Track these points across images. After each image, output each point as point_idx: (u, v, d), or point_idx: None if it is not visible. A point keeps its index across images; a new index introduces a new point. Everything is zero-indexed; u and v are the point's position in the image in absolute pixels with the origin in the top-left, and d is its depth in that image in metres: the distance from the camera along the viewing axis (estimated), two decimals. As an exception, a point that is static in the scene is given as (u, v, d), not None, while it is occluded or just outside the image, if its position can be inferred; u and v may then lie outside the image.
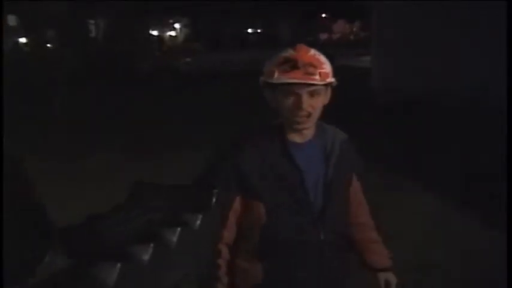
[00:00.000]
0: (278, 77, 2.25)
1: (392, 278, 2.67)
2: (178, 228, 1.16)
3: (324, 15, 59.55)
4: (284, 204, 2.34)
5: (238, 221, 2.40)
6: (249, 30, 51.53)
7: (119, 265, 0.97)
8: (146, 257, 1.05)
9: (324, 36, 54.18)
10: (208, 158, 2.47)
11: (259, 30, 52.23)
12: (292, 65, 2.24)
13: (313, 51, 2.33)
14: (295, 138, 2.40)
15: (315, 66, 2.25)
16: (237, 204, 2.36)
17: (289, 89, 2.26)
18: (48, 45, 40.22)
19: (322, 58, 2.34)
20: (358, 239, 2.64)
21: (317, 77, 2.24)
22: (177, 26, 65.55)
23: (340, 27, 59.22)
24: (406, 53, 15.28)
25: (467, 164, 8.14)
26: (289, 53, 2.30)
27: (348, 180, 2.55)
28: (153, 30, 58.86)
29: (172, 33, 65.55)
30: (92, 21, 46.86)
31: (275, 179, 2.33)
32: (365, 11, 26.33)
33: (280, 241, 2.34)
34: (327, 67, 2.31)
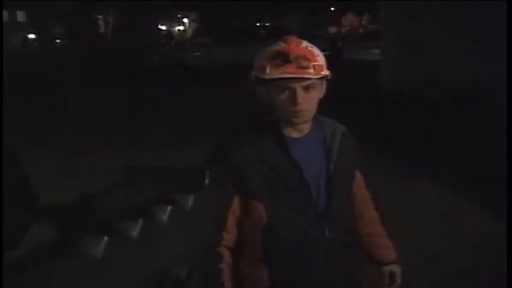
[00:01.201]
0: (270, 72, 2.16)
1: (397, 269, 2.61)
2: (169, 207, 1.16)
3: (332, 8, 59.43)
4: (285, 202, 2.25)
5: (238, 223, 2.31)
6: (258, 24, 51.42)
7: (105, 238, 0.97)
8: (134, 232, 1.05)
9: (332, 29, 54.05)
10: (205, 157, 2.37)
11: (267, 24, 52.11)
12: (284, 58, 2.14)
13: (305, 43, 2.23)
14: (292, 133, 2.30)
15: (308, 59, 2.15)
16: (235, 204, 2.28)
17: (283, 84, 2.16)
18: (57, 40, 40.44)
19: (315, 50, 2.23)
20: (364, 234, 2.56)
21: (311, 70, 2.14)
22: (185, 20, 65.62)
23: (349, 20, 59.05)
24: (415, 46, 15.23)
25: (474, 157, 8.12)
26: (280, 46, 2.20)
27: (351, 174, 2.47)
28: (161, 25, 59.05)
29: (181, 27, 65.64)
30: (101, 17, 47.06)
31: (274, 177, 2.23)
32: (374, 4, 26.27)
33: (284, 242, 2.25)
34: (320, 59, 2.20)
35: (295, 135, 2.30)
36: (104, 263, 0.95)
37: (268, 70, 2.16)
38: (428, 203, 6.72)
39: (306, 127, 2.32)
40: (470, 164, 7.87)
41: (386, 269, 2.60)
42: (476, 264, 5.05)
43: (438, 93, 12.92)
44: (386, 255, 2.61)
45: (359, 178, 2.54)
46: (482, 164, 7.77)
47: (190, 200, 1.23)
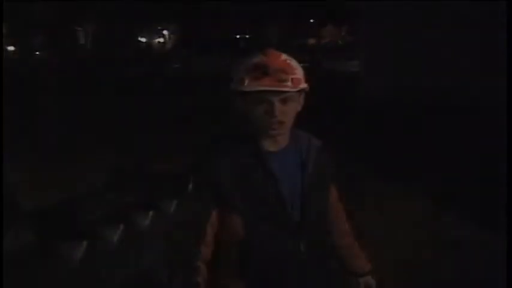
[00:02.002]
0: (248, 85, 2.18)
1: (372, 281, 2.65)
2: (151, 212, 1.18)
3: (312, 20, 59.52)
4: (261, 216, 2.26)
5: (216, 236, 2.32)
6: (237, 36, 51.36)
7: (85, 243, 0.99)
8: (115, 237, 1.07)
9: (312, 41, 54.16)
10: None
11: (247, 36, 52.09)
12: (263, 71, 2.16)
13: (284, 56, 2.26)
14: (269, 147, 2.31)
15: (286, 72, 2.18)
16: (214, 218, 2.29)
17: (261, 96, 2.18)
18: (37, 52, 40.17)
19: (294, 63, 2.26)
20: (337, 246, 2.60)
21: (289, 83, 2.17)
22: (165, 32, 65.49)
23: (329, 32, 59.21)
24: (394, 57, 15.35)
25: (458, 165, 8.19)
26: (260, 58, 2.22)
27: (326, 188, 2.50)
28: (141, 36, 58.86)
29: (161, 39, 65.49)
30: (81, 29, 46.83)
31: (250, 190, 2.24)
32: (353, 16, 26.42)
33: (260, 255, 2.27)
34: (298, 72, 2.24)
35: (272, 148, 2.32)
36: (83, 266, 0.97)
37: (246, 82, 2.18)
38: (413, 212, 6.75)
39: (283, 140, 2.34)
40: (452, 171, 7.93)
41: (362, 280, 2.63)
42: (466, 273, 5.07)
43: (417, 102, 13.01)
44: (360, 267, 2.65)
45: (333, 191, 2.58)
46: (467, 171, 7.84)
47: (172, 206, 1.25)
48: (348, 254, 2.62)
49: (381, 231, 5.93)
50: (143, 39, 58.98)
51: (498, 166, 5.86)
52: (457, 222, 6.34)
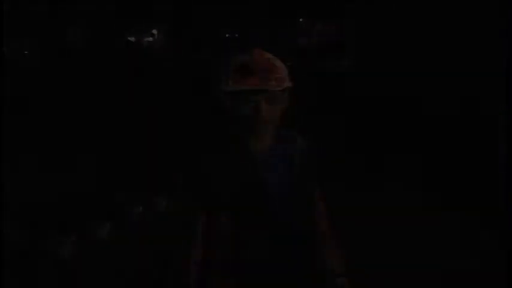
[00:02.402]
0: (233, 84, 2.18)
1: (345, 282, 2.57)
2: (140, 208, 1.14)
3: (302, 19, 59.79)
4: (248, 215, 2.27)
5: (206, 237, 2.32)
6: (227, 35, 51.63)
7: (73, 238, 0.96)
8: (103, 232, 1.04)
9: (303, 40, 54.46)
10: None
11: (236, 35, 52.36)
12: (247, 71, 2.17)
13: (268, 55, 2.27)
14: (256, 146, 2.32)
15: (270, 72, 2.19)
16: (203, 218, 2.30)
17: (246, 96, 2.18)
18: (26, 52, 40.04)
19: (278, 62, 2.26)
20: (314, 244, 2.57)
21: (273, 82, 2.18)
22: (154, 31, 65.65)
23: (319, 31, 59.45)
24: (386, 56, 15.38)
25: (451, 164, 8.22)
26: (244, 58, 2.23)
27: (312, 187, 2.50)
28: (130, 36, 58.95)
29: (150, 39, 65.62)
30: (70, 28, 46.90)
31: (238, 190, 2.26)
32: (344, 14, 26.46)
33: (250, 256, 2.29)
34: (282, 71, 2.24)
35: (259, 148, 2.32)
36: (73, 262, 0.94)
37: (231, 82, 2.18)
38: (410, 210, 6.77)
39: (269, 140, 2.34)
40: (449, 169, 7.96)
41: (336, 281, 2.56)
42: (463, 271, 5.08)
43: (413, 101, 13.05)
44: (334, 267, 2.57)
45: (317, 190, 2.56)
46: (465, 170, 7.88)
47: (161, 204, 1.22)
48: (323, 253, 2.56)
49: (377, 228, 5.95)
50: (132, 39, 59.03)
51: (497, 165, 5.86)
52: (456, 222, 6.35)
